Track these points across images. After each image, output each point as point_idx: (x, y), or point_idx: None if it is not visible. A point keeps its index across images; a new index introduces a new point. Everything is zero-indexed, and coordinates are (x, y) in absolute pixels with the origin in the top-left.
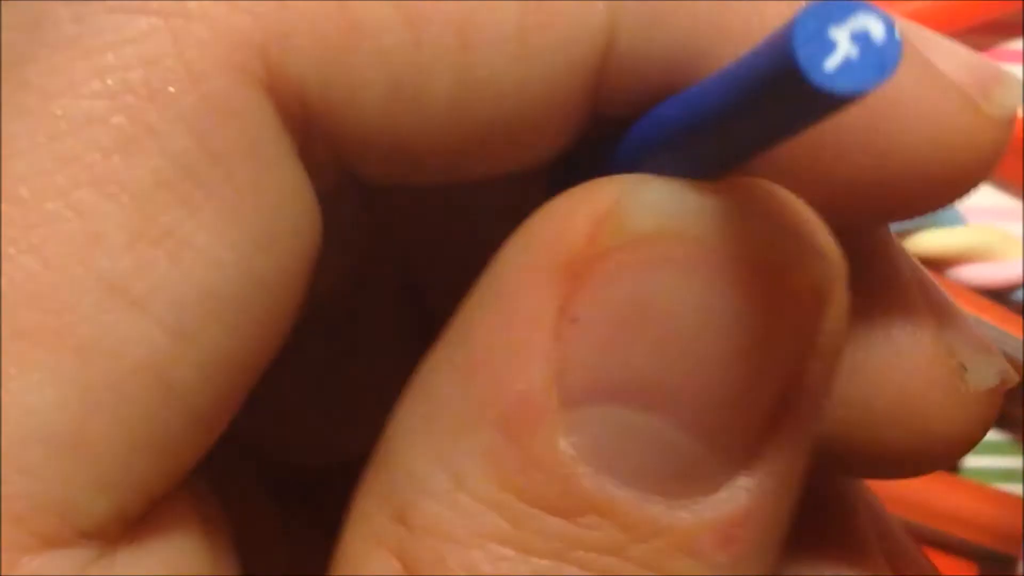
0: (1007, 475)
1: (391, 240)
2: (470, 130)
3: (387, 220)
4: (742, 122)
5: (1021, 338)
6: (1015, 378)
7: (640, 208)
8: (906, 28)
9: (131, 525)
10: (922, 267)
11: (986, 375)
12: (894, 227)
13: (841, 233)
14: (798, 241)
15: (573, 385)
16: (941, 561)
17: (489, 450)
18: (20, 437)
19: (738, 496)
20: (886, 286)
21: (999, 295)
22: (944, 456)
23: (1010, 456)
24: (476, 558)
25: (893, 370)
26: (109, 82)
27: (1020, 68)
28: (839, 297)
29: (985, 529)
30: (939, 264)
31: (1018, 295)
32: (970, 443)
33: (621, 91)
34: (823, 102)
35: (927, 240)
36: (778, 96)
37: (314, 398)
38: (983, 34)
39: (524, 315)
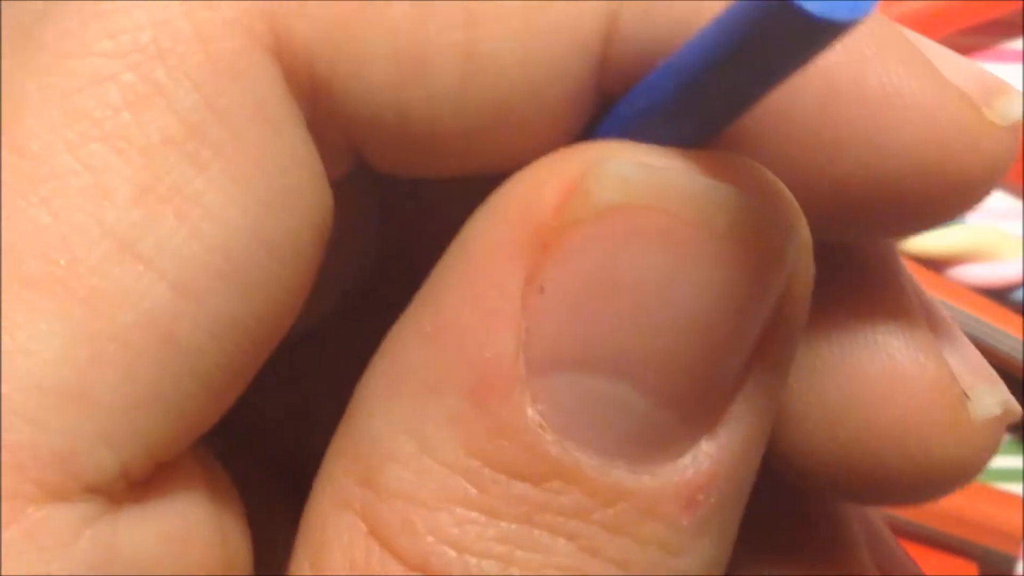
0: (1007, 475)
1: (407, 239)
2: (477, 111)
3: (403, 221)
4: (723, 71)
5: (1021, 338)
6: (1018, 410)
7: (608, 179)
8: (913, 36)
9: (136, 484)
10: (927, 293)
11: (988, 404)
12: None
13: (846, 250)
14: (766, 213)
15: (540, 353)
16: (941, 561)
17: (456, 416)
18: (25, 385)
19: (701, 461)
20: (890, 310)
21: (998, 295)
22: (943, 485)
23: (1010, 456)
24: (442, 521)
25: (894, 396)
26: (120, 42)
27: (1020, 68)
28: (804, 269)
29: (985, 529)
30: (939, 264)
31: (1018, 295)
32: (971, 473)
33: (626, 74)
34: (804, 32)
35: (926, 240)
36: (760, 33)
37: (327, 389)
38: (983, 34)
39: (492, 284)
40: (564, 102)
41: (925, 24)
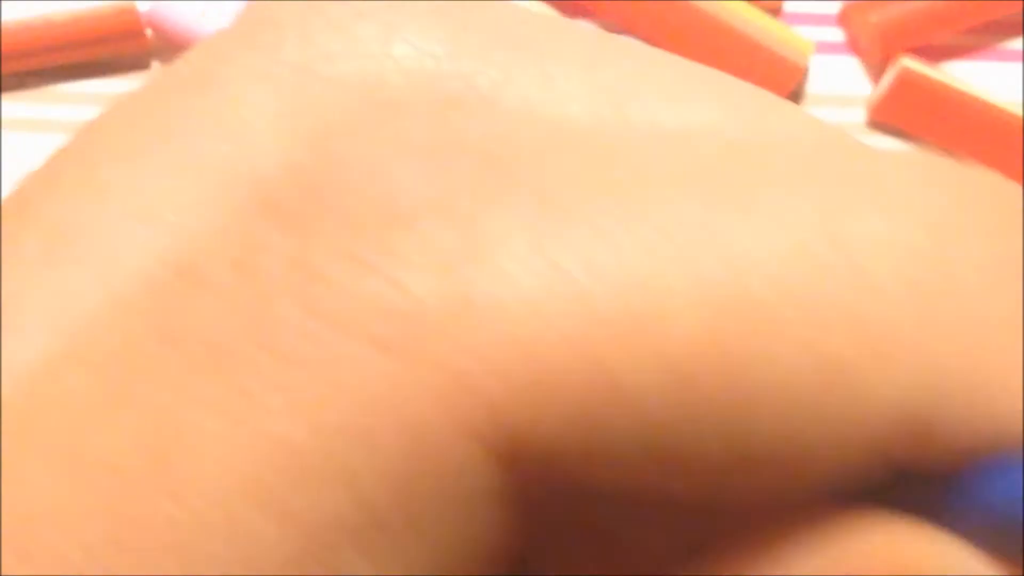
0: None
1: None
2: (729, 483)
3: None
4: None
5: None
6: None
7: None
8: None
9: None
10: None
11: None
12: None
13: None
14: None
15: None
16: None
17: None
18: None
19: None
20: None
21: None
22: None
23: None
24: None
25: None
26: (309, 413)
27: (1020, 68)
28: None
29: None
30: None
31: None
32: None
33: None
34: None
35: None
36: None
37: None
38: (983, 34)
39: None
40: (838, 476)
41: (925, 25)
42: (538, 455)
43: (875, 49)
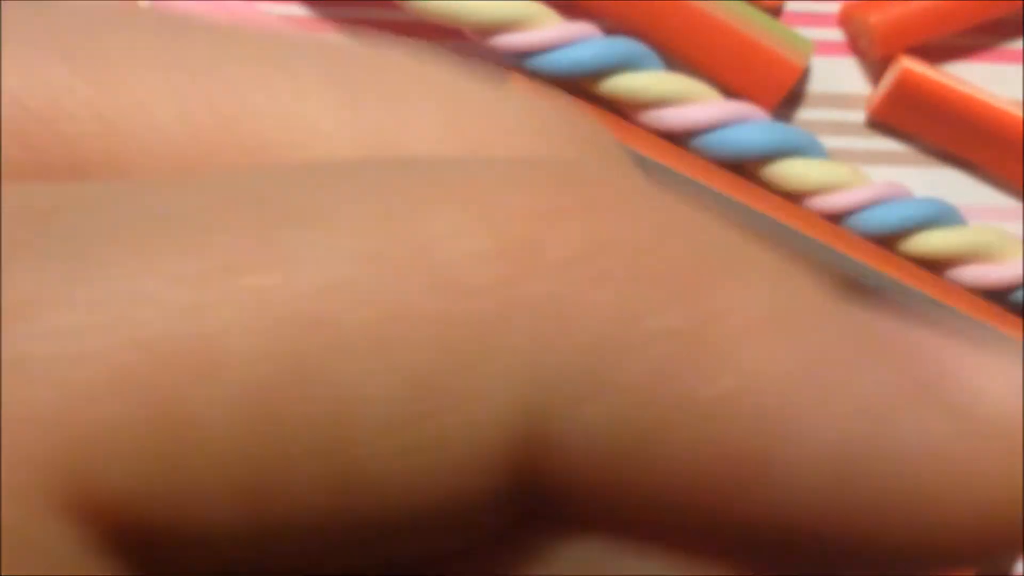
0: None
1: None
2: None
3: None
4: None
5: (1021, 340)
6: None
7: None
8: None
9: None
10: None
11: None
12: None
13: None
14: None
15: None
16: None
17: None
18: None
19: None
20: None
21: (999, 295)
22: None
23: None
24: None
25: None
26: None
27: (1020, 68)
28: None
29: None
30: (939, 265)
31: (1018, 296)
32: None
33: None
34: None
35: (927, 240)
36: None
37: None
38: (983, 34)
39: None
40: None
41: (926, 24)
42: (116, 505)
43: (875, 49)
